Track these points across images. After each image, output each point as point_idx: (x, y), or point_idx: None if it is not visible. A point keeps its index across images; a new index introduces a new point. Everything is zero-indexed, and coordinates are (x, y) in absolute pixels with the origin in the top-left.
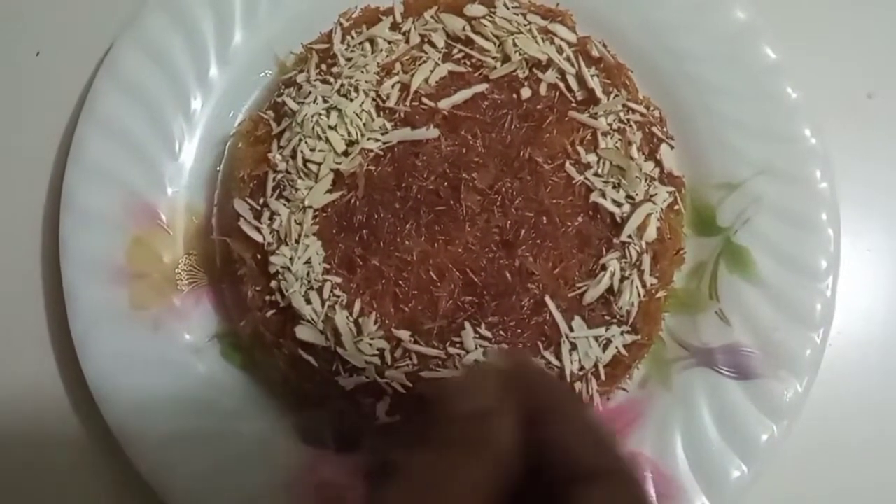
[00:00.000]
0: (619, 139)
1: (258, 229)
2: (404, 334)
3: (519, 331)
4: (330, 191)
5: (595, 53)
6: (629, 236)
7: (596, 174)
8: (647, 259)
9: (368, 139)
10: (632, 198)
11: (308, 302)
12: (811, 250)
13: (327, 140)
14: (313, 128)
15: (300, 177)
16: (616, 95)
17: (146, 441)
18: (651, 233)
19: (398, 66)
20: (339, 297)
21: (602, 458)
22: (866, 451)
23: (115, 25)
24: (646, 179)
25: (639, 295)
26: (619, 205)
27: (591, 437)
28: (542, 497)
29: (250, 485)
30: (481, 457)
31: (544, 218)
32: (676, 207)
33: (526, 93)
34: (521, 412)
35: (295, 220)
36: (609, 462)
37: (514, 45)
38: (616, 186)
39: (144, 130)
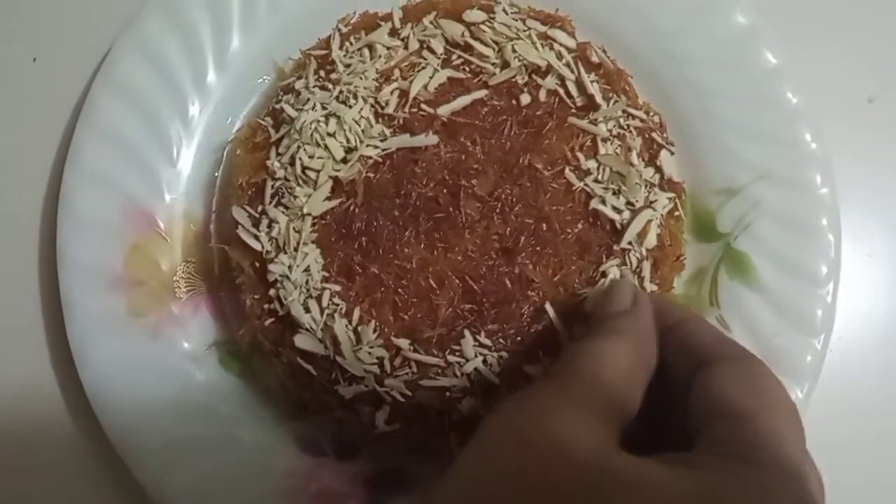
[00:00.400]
0: (619, 145)
1: (256, 237)
2: (404, 342)
3: (519, 338)
4: (329, 198)
5: (595, 59)
6: (629, 243)
7: (596, 181)
8: (647, 266)
9: (367, 146)
10: (632, 204)
11: (307, 310)
12: (812, 256)
13: (326, 147)
14: (312, 135)
15: (299, 184)
16: (616, 101)
17: (144, 449)
18: (651, 239)
19: (397, 73)
20: (338, 305)
21: (729, 347)
22: (867, 456)
23: (113, 30)
24: (646, 186)
25: None
26: (619, 211)
27: (716, 334)
28: (671, 388)
29: (248, 493)
30: (631, 340)
31: (544, 225)
32: (677, 214)
33: (525, 99)
34: (655, 315)
35: (293, 228)
36: (736, 350)
37: (514, 50)
38: (616, 193)
39: (142, 136)
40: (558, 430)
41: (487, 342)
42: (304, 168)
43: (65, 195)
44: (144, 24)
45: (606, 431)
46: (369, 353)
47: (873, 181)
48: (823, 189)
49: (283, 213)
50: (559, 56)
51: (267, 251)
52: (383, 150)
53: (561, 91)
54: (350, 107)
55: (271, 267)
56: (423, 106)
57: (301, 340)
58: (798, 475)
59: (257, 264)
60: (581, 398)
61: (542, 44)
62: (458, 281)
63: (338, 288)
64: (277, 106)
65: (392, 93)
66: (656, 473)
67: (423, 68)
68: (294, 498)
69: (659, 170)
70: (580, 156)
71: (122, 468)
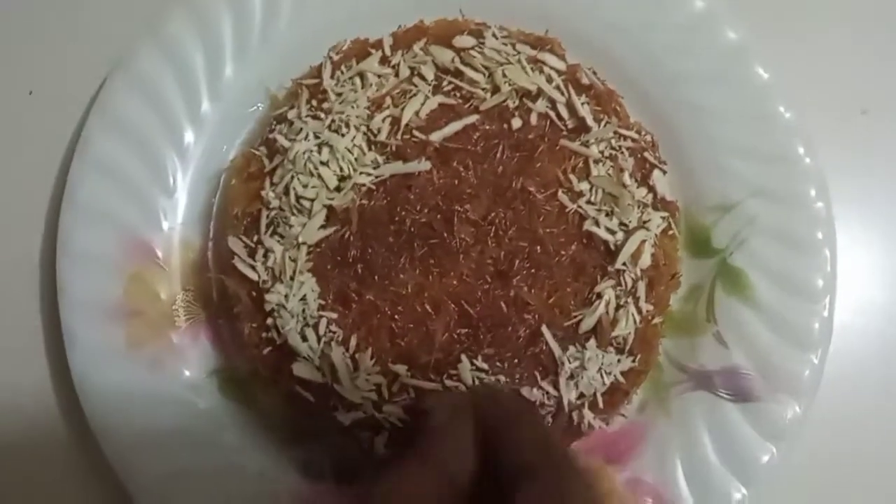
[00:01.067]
0: (612, 166)
1: (252, 267)
2: (401, 369)
3: (515, 361)
4: (323, 226)
5: (585, 81)
6: (624, 264)
7: (589, 202)
8: (642, 286)
9: (360, 174)
10: (625, 225)
11: (304, 339)
12: (807, 270)
13: (319, 176)
14: (305, 164)
15: (293, 213)
16: (607, 122)
17: (147, 478)
18: (645, 260)
19: (388, 100)
20: (334, 332)
21: (551, 457)
22: (866, 469)
23: (107, 63)
24: (639, 206)
25: (635, 322)
26: (612, 232)
27: (540, 441)
28: (496, 496)
29: None
30: (441, 461)
31: (538, 247)
32: (671, 232)
33: (517, 123)
34: (480, 422)
35: (289, 257)
36: (554, 459)
37: (504, 75)
38: (609, 214)
39: (138, 167)
40: None
41: (484, 366)
42: (298, 197)
43: (63, 229)
44: (138, 55)
45: None
46: (367, 379)
47: (870, 191)
48: (818, 203)
49: (278, 242)
50: (549, 79)
51: (263, 280)
52: (376, 177)
53: (552, 114)
54: (342, 135)
55: (268, 296)
56: (416, 132)
57: (299, 369)
58: None
59: (254, 293)
60: None
61: (531, 68)
62: (453, 305)
63: (334, 316)
64: (271, 136)
65: (384, 120)
66: None
67: (415, 95)
68: None
69: (652, 189)
70: (573, 178)
71: (125, 498)
